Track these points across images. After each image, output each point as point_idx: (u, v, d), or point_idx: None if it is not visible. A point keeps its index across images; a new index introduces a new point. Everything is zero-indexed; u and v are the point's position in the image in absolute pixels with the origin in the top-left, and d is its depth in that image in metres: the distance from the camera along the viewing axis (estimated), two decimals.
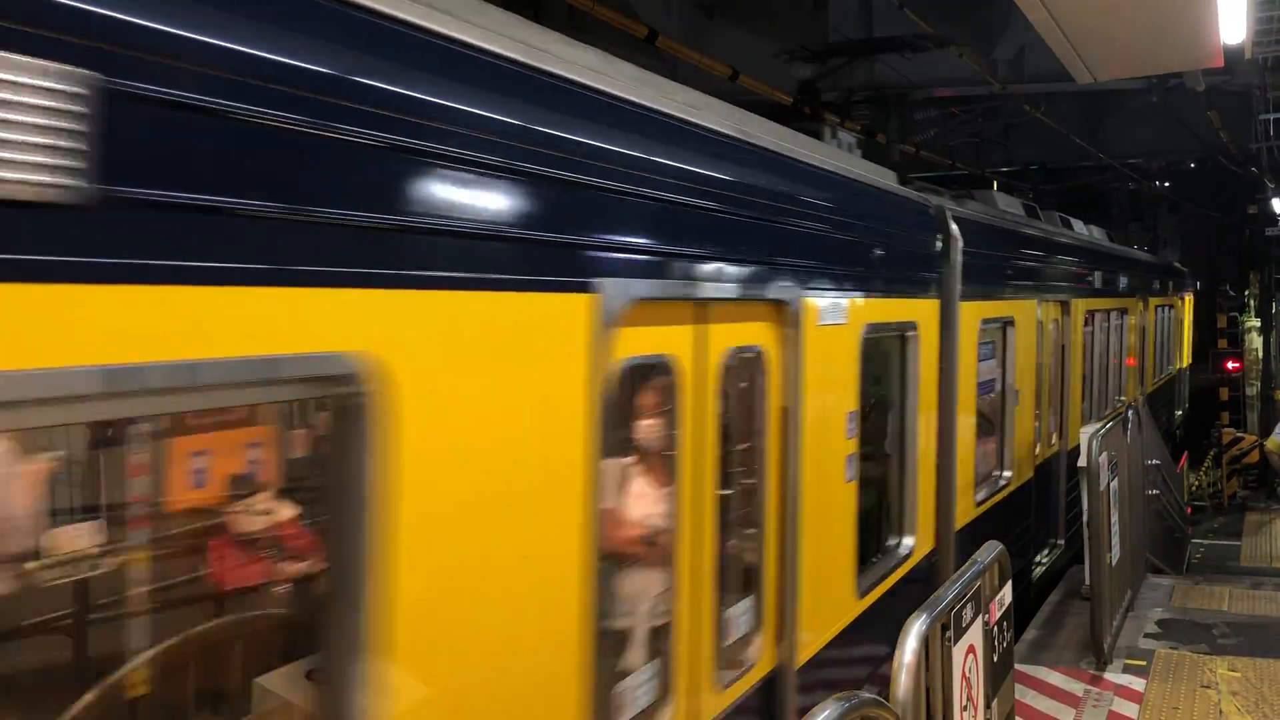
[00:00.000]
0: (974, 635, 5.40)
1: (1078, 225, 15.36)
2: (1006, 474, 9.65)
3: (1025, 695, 7.87)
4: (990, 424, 9.35)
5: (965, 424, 8.03)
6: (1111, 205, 30.63)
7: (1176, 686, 8.24)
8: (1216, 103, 17.49)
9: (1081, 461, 9.09)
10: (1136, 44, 9.26)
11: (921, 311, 7.00)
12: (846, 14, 15.57)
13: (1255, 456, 23.68)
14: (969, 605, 5.32)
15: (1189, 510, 18.37)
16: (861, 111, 16.31)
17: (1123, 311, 16.17)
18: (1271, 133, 16.58)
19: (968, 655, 5.29)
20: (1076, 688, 8.25)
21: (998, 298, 9.11)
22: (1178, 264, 27.84)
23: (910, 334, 6.85)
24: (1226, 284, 34.55)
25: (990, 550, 5.94)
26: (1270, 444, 21.20)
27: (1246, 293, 28.54)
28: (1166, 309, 21.65)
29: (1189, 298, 26.93)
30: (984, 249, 8.50)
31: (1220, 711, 7.76)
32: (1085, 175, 26.00)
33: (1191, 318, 27.84)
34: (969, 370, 8.14)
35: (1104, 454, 8.86)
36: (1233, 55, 10.62)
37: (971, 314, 8.13)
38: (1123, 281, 16.02)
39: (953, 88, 16.78)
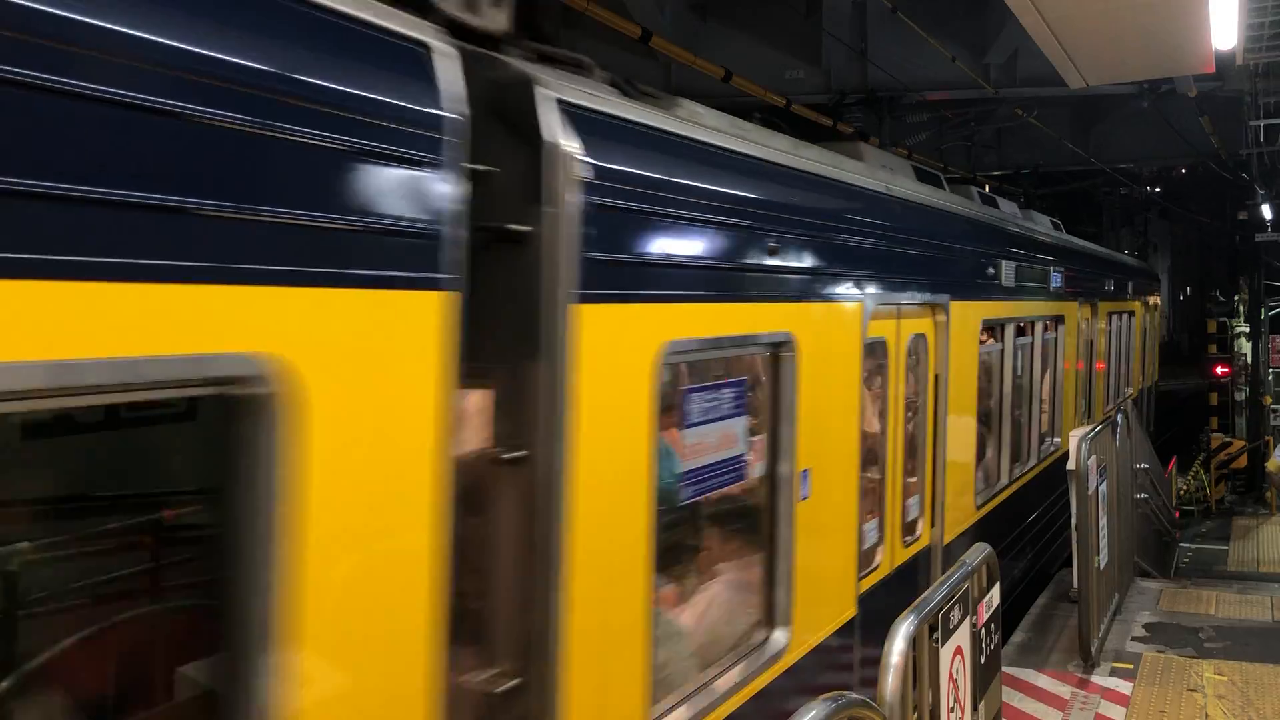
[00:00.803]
0: (961, 637, 5.41)
1: (1008, 207, 11.87)
2: (778, 637, 5.13)
3: (1012, 698, 7.88)
4: (736, 549, 5.25)
5: (600, 574, 3.74)
6: (1103, 210, 30.77)
7: (1163, 690, 8.26)
8: (1208, 108, 17.59)
9: (1071, 465, 9.10)
10: (1128, 49, 9.30)
11: (332, 326, 2.70)
12: (840, 18, 15.61)
13: (1243, 462, 23.80)
14: (956, 607, 5.33)
15: (1177, 514, 18.43)
16: (854, 114, 16.38)
17: (1057, 320, 12.22)
18: (1262, 138, 16.65)
19: (955, 657, 5.30)
20: (1064, 690, 8.27)
21: (741, 296, 4.79)
22: (1140, 260, 24.75)
23: (256, 390, 2.50)
24: (1216, 289, 34.71)
25: (978, 552, 5.95)
26: (1271, 465, 21.34)
27: (1236, 298, 28.65)
28: (1124, 316, 17.74)
29: (1156, 301, 23.36)
30: (681, 194, 4.29)
31: (1206, 715, 7.78)
32: (1077, 180, 26.12)
33: (1158, 325, 24.22)
34: (622, 455, 3.87)
35: (1092, 457, 8.89)
36: (1224, 61, 10.67)
37: (623, 330, 3.91)
38: (1056, 279, 11.95)
39: (945, 91, 16.84)
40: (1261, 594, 11.59)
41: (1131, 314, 18.39)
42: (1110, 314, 16.04)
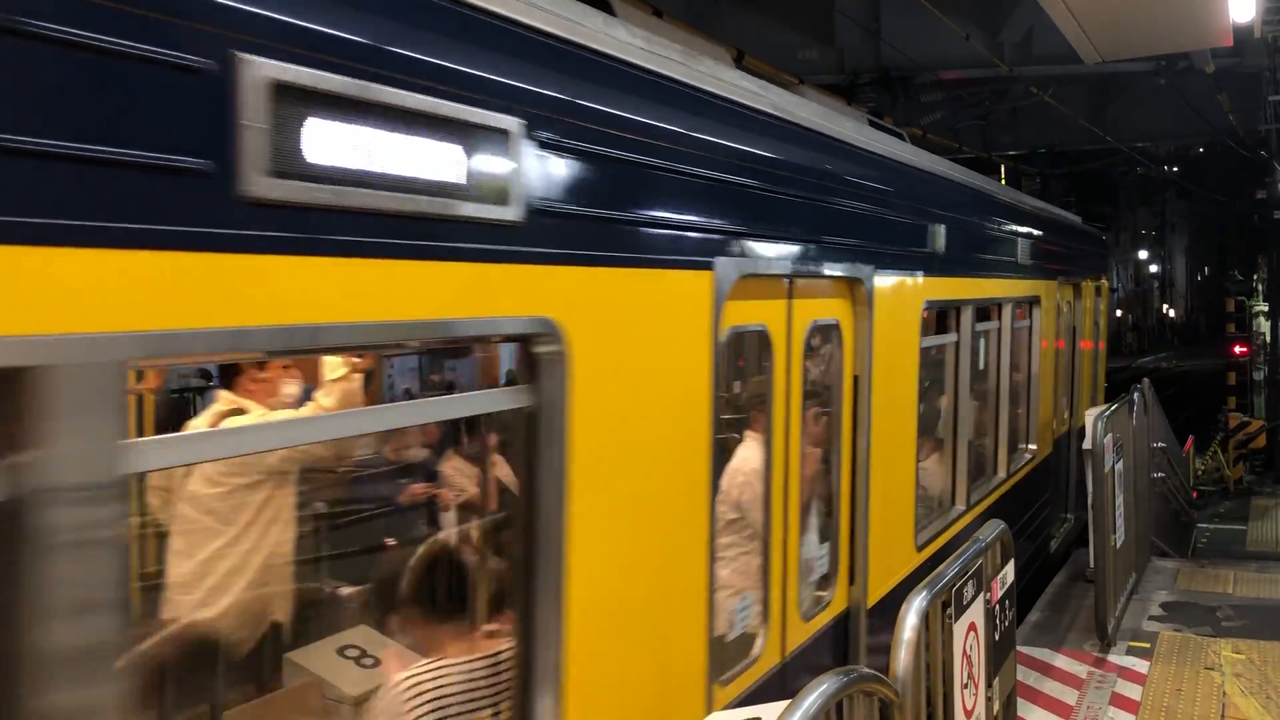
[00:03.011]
0: (975, 613, 5.38)
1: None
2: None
3: (1029, 677, 7.86)
4: None
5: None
6: (1120, 190, 30.56)
7: (1180, 668, 8.22)
8: (1225, 85, 17.41)
9: (1087, 444, 9.04)
10: (1144, 22, 9.19)
11: None
12: None
13: (1262, 441, 23.62)
14: (970, 583, 5.29)
15: (1195, 494, 18.32)
16: (868, 94, 16.29)
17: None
18: None
19: (969, 633, 5.27)
20: (1080, 669, 8.24)
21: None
22: (1075, 216, 14.83)
23: None
24: (1234, 268, 34.46)
25: (993, 529, 5.91)
26: None
27: (1255, 277, 28.43)
28: (1013, 309, 9.71)
29: (1102, 284, 14.91)
30: None
31: (1224, 693, 7.74)
32: (1094, 160, 25.94)
33: (1101, 323, 14.97)
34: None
35: (1109, 435, 8.83)
36: (1242, 35, 10.56)
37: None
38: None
39: (959, 70, 16.73)
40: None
41: (1035, 303, 10.50)
42: (956, 309, 8.08)
